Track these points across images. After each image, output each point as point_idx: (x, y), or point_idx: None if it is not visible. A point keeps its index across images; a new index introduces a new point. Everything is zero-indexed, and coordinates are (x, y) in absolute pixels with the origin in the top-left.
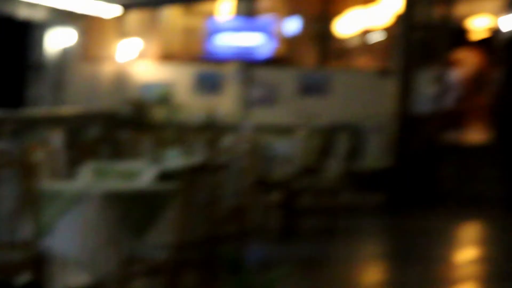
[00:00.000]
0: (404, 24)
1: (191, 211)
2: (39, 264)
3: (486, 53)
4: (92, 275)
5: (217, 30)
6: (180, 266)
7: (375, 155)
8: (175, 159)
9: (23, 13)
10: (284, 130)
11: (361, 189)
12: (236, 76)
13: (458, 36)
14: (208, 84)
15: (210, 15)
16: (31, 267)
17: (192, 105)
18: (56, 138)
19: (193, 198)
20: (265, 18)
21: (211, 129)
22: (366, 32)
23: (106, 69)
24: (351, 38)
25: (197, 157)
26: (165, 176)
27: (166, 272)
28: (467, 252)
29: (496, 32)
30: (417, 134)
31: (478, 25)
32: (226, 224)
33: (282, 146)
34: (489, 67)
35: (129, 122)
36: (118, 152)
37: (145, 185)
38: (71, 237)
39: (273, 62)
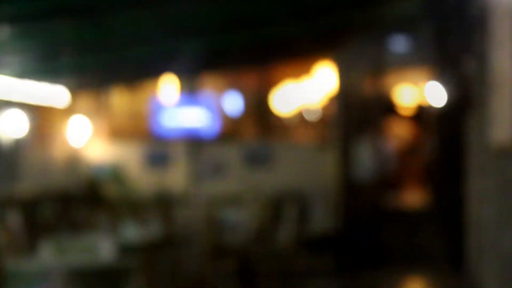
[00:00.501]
0: (339, 100)
1: (154, 285)
2: None
3: (418, 122)
4: None
5: (162, 108)
6: None
7: (321, 221)
8: (132, 233)
9: None
10: (233, 200)
11: (311, 253)
12: (184, 152)
13: (391, 106)
14: (157, 160)
15: (154, 94)
16: None
17: (144, 180)
18: (13, 218)
19: (155, 272)
20: (207, 95)
21: (163, 202)
22: (302, 107)
23: (59, 149)
24: (290, 113)
25: (153, 230)
26: (124, 249)
27: None
28: None
29: (424, 103)
30: (359, 199)
31: (408, 96)
32: None
33: (233, 215)
34: (421, 136)
35: (84, 199)
36: (75, 228)
37: (106, 261)
38: None
39: (218, 137)
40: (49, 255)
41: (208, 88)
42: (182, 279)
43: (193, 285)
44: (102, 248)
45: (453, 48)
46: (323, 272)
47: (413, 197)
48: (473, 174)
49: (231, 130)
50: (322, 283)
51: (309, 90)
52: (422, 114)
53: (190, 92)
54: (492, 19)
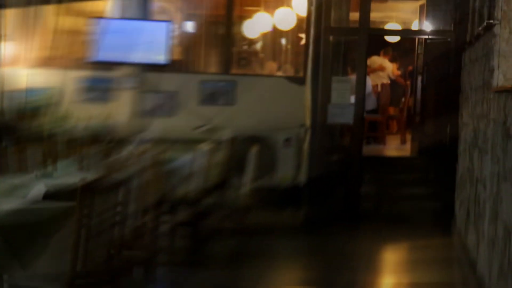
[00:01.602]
0: (316, 28)
1: (87, 235)
2: None
3: (405, 59)
4: None
5: (106, 32)
6: None
7: (289, 169)
8: (66, 174)
9: None
10: (186, 143)
11: (275, 207)
12: (129, 82)
13: (376, 42)
14: (98, 91)
15: (97, 15)
16: None
17: (81, 114)
18: None
19: (88, 219)
20: (160, 20)
21: (104, 141)
22: (274, 36)
23: None
24: (257, 43)
25: (91, 172)
26: (55, 193)
27: None
28: (391, 278)
29: (413, 38)
30: (335, 146)
31: (395, 31)
32: (128, 248)
33: (185, 160)
34: (407, 74)
35: (11, 132)
36: (1, 166)
37: (31, 204)
38: None
39: (171, 67)
40: None
41: (163, 13)
42: (121, 232)
43: (134, 239)
44: (31, 190)
45: None
46: (288, 229)
47: (396, 146)
48: (468, 117)
49: (187, 60)
50: (287, 243)
51: (281, 17)
52: (410, 50)
53: (140, 15)
54: None
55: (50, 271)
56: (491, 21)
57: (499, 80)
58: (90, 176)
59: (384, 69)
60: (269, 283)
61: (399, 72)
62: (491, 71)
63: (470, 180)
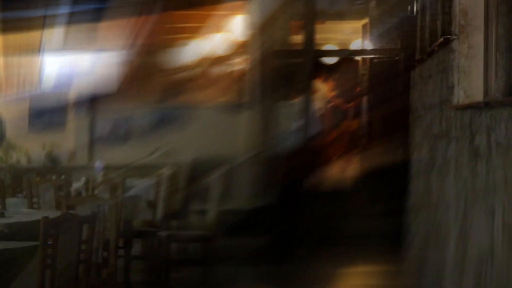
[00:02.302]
0: (257, 52)
1: (52, 276)
2: None
3: (346, 80)
4: None
5: (48, 62)
6: None
7: (243, 195)
8: (18, 213)
9: None
10: (140, 170)
11: (235, 233)
12: (77, 111)
13: (319, 64)
14: (45, 119)
15: (38, 47)
16: None
17: (29, 144)
18: None
19: (53, 260)
20: (104, 50)
21: (54, 172)
22: (214, 62)
23: None
24: (198, 69)
25: (45, 209)
26: (11, 233)
27: None
28: None
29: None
30: (285, 172)
31: (340, 52)
32: (89, 283)
33: (141, 188)
34: (350, 96)
35: None
36: None
37: None
38: None
39: (114, 97)
40: None
41: (104, 39)
42: (79, 269)
43: (95, 278)
44: None
45: None
46: (251, 256)
47: (345, 168)
48: (421, 137)
49: (128, 89)
50: (251, 269)
51: (219, 43)
52: (354, 72)
53: (83, 42)
54: None
55: None
56: (448, 36)
57: (460, 97)
58: (51, 213)
59: (317, 91)
60: None
61: (333, 94)
62: (450, 87)
63: (428, 203)
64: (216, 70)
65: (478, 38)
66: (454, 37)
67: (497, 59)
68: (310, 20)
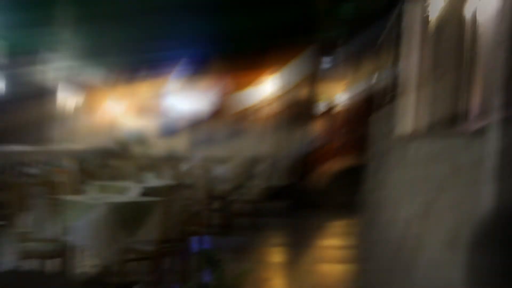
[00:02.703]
0: (284, 99)
1: (168, 217)
2: (64, 252)
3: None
4: (100, 260)
5: (172, 95)
6: (161, 255)
7: (278, 177)
8: (151, 180)
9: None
10: (220, 160)
11: (272, 199)
12: (186, 126)
13: (318, 105)
14: (168, 130)
15: (167, 85)
16: (59, 254)
17: (158, 144)
18: (72, 165)
19: (169, 208)
20: (202, 91)
21: (172, 160)
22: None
23: (101, 120)
24: (255, 105)
25: (167, 179)
26: (146, 192)
27: (152, 259)
28: (336, 240)
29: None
30: (299, 166)
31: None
32: (189, 225)
33: (221, 170)
34: (339, 128)
35: (117, 155)
36: (112, 175)
37: (134, 198)
38: (86, 234)
39: (208, 118)
40: (94, 192)
41: (202, 85)
42: (186, 214)
43: (193, 220)
44: (132, 189)
45: (381, 50)
46: (281, 211)
47: (330, 167)
48: (377, 157)
49: (217, 114)
50: (278, 220)
51: (263, 91)
52: (339, 112)
53: (191, 86)
54: (403, 36)
55: (147, 237)
56: (394, 93)
57: (398, 130)
58: (170, 182)
59: (316, 124)
60: (267, 243)
61: (325, 126)
62: (394, 124)
63: (376, 188)
64: (266, 108)
65: (411, 96)
66: (398, 94)
67: (423, 109)
68: (313, 82)
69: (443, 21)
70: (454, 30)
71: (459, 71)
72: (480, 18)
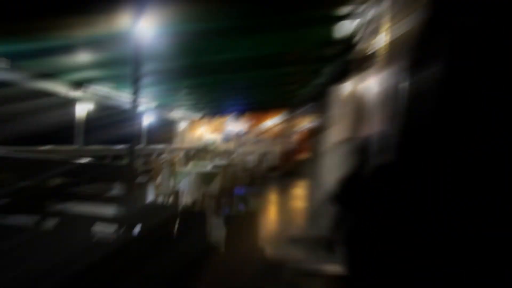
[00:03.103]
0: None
1: (225, 178)
2: (176, 194)
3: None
4: (192, 198)
5: (228, 123)
6: (220, 196)
7: (272, 162)
8: (217, 161)
9: (172, 117)
10: (248, 153)
11: (270, 172)
12: (234, 138)
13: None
14: (226, 139)
15: (226, 119)
16: (174, 195)
17: (222, 145)
18: (181, 154)
19: (226, 175)
20: (241, 123)
21: (228, 152)
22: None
23: (197, 134)
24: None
25: (224, 161)
26: (215, 167)
27: (216, 198)
28: (300, 190)
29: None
30: (284, 157)
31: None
32: (236, 182)
33: (249, 158)
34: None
35: (203, 150)
36: (200, 159)
37: (210, 170)
38: (187, 186)
39: (244, 134)
40: (190, 167)
41: (242, 121)
42: (234, 177)
43: (238, 180)
44: (208, 166)
45: (321, 108)
46: (275, 177)
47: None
48: (321, 158)
49: (248, 133)
50: (275, 181)
51: (270, 123)
52: (302, 133)
53: (236, 120)
54: (329, 102)
55: (214, 188)
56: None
57: (328, 143)
58: (224, 162)
59: (300, 140)
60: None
61: (295, 140)
62: (328, 139)
63: (314, 167)
64: (271, 131)
65: (333, 128)
66: (327, 127)
67: (337, 134)
68: (291, 119)
69: (349, 95)
70: (353, 99)
71: (354, 118)
72: (366, 93)
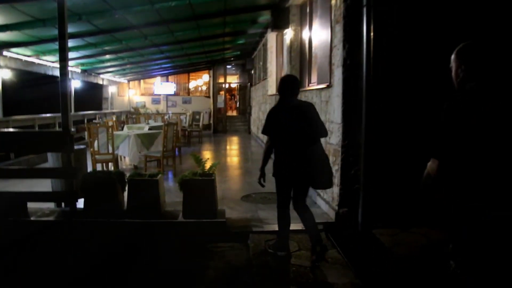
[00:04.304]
0: (212, 85)
1: (167, 138)
2: (115, 160)
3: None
4: (132, 161)
5: (157, 85)
6: (164, 158)
7: (204, 120)
8: (152, 123)
9: (100, 82)
10: (182, 113)
11: (204, 129)
12: (164, 100)
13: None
14: (155, 102)
15: (155, 81)
16: (113, 160)
17: (151, 107)
18: (114, 118)
19: (167, 134)
20: (171, 83)
21: (159, 113)
22: (198, 86)
23: (126, 99)
24: (195, 87)
25: (157, 123)
26: (152, 127)
27: (159, 161)
28: (235, 138)
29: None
30: (217, 115)
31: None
32: (174, 142)
33: (183, 118)
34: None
35: (134, 113)
36: (133, 121)
37: (146, 131)
38: (125, 149)
39: (175, 94)
40: (126, 130)
41: (171, 81)
42: (175, 138)
43: (175, 140)
44: (144, 127)
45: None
46: (208, 134)
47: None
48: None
49: (177, 93)
50: (207, 136)
51: (202, 81)
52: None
53: (165, 82)
54: (269, 50)
55: (156, 149)
56: (266, 78)
57: (268, 92)
58: (157, 124)
59: (228, 96)
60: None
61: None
62: (266, 89)
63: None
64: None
65: (273, 77)
66: (267, 76)
67: (277, 82)
68: (226, 76)
69: (292, 42)
70: (298, 45)
71: (301, 64)
72: (310, 41)
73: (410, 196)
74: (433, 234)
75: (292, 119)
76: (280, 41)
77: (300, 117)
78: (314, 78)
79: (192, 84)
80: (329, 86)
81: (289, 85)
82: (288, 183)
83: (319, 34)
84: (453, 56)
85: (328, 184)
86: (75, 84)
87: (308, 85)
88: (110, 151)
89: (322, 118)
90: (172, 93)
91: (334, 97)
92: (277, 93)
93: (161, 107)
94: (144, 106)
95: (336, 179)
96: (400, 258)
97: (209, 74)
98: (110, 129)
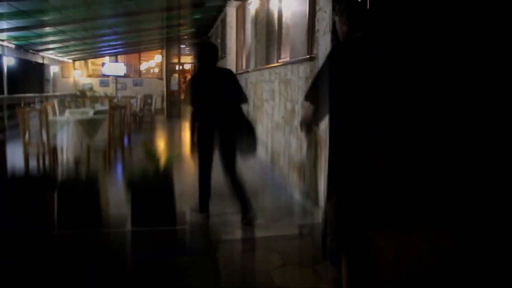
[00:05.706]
0: (166, 65)
1: (113, 126)
2: (55, 150)
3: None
4: (73, 155)
5: (106, 66)
6: (109, 149)
7: (157, 104)
8: (99, 107)
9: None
10: (132, 97)
11: (156, 113)
12: (113, 81)
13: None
14: (103, 84)
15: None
16: (50, 152)
17: (99, 90)
18: (55, 102)
19: (114, 119)
20: (122, 63)
21: (107, 96)
22: (151, 68)
23: (71, 80)
24: (147, 69)
25: (102, 107)
26: (97, 112)
27: (104, 151)
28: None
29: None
30: (172, 99)
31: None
32: (122, 129)
33: (133, 101)
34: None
35: (80, 96)
36: (77, 105)
37: (91, 116)
38: (66, 138)
39: (124, 76)
40: (68, 115)
41: (120, 61)
42: (123, 125)
43: (124, 126)
44: (89, 112)
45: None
46: (161, 119)
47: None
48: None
49: (128, 74)
50: (160, 122)
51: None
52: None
53: (114, 62)
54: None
55: (101, 139)
56: (225, 55)
57: (237, 70)
58: (103, 108)
59: (185, 75)
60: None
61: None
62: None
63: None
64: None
65: (233, 55)
66: (226, 54)
67: (238, 60)
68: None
69: (257, 12)
70: (264, 16)
71: (268, 37)
72: (280, 10)
73: None
74: None
75: (208, 85)
76: (241, 14)
77: (216, 83)
78: (285, 52)
79: (143, 66)
80: (311, 59)
81: (207, 53)
82: (205, 149)
83: (292, 1)
84: (336, 18)
85: (251, 151)
86: (8, 61)
87: (277, 60)
88: (46, 141)
89: (300, 98)
90: (122, 74)
91: None
92: (196, 62)
93: (110, 89)
94: (92, 88)
95: (323, 175)
96: None
97: (161, 54)
98: (43, 115)
